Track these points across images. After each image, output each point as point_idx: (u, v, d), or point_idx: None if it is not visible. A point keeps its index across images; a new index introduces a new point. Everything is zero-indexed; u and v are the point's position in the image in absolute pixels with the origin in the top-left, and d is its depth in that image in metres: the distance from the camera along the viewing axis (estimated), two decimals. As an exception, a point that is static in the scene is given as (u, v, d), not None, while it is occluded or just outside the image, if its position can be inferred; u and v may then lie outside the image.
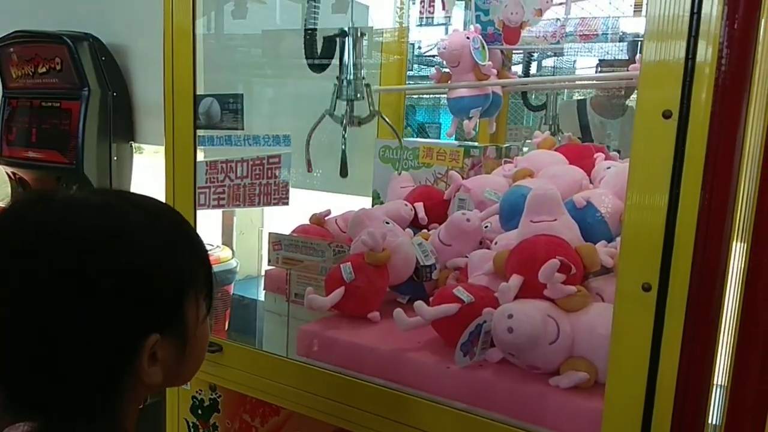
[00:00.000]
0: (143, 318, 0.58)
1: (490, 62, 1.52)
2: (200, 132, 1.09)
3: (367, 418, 0.94)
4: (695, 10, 0.66)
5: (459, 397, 0.90)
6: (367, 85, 1.18)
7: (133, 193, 0.67)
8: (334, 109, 1.18)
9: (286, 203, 1.08)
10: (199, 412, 1.15)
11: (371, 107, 1.20)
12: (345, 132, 1.18)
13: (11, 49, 2.83)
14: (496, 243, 1.14)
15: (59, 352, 0.55)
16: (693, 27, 0.67)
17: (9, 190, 3.00)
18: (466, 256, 1.17)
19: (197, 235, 0.68)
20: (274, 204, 1.09)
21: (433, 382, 0.92)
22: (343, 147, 1.19)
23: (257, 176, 1.08)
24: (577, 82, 2.01)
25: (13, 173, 2.93)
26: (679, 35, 0.67)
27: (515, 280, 0.91)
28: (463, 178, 1.46)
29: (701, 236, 0.68)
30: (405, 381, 0.94)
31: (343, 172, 1.17)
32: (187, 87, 1.06)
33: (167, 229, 0.64)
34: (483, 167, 1.55)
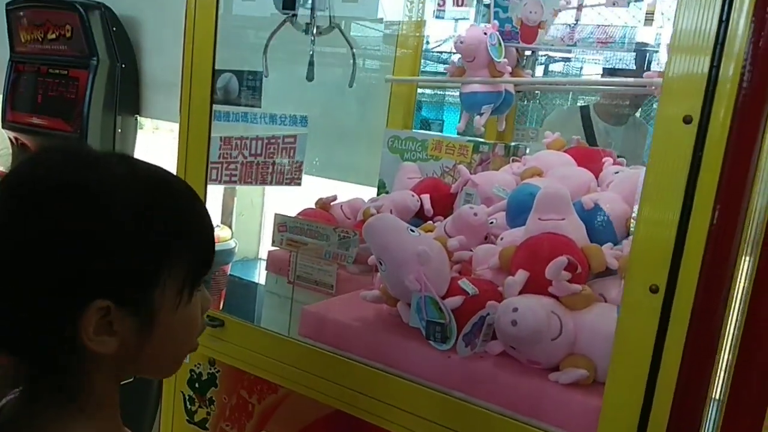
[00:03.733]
0: (86, 280, 0.53)
1: (505, 59, 1.52)
2: (216, 107, 1.09)
3: (364, 401, 0.95)
4: (723, 23, 0.67)
5: (458, 386, 0.91)
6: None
7: (141, 160, 0.61)
8: (296, 18, 1.26)
9: (299, 184, 1.09)
10: (197, 385, 1.16)
11: (332, 20, 1.30)
12: (313, 40, 1.26)
13: (22, 13, 2.81)
14: (501, 239, 1.15)
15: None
16: (718, 41, 0.68)
17: (10, 155, 2.98)
18: (470, 250, 1.18)
19: (200, 212, 0.61)
20: (287, 184, 1.09)
21: (433, 370, 0.93)
22: (311, 53, 1.26)
23: (271, 155, 1.08)
24: (591, 86, 2.01)
25: (16, 138, 2.92)
26: (705, 50, 0.68)
27: (521, 275, 0.93)
28: (470, 173, 1.47)
29: (712, 241, 0.70)
30: (406, 367, 0.95)
31: (310, 76, 1.26)
32: (206, 60, 1.06)
33: (155, 193, 0.57)
34: (491, 164, 1.56)
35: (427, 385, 0.92)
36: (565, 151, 1.47)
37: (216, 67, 1.08)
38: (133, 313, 0.56)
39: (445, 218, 1.33)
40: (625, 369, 0.74)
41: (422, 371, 0.94)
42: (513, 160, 1.59)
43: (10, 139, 2.96)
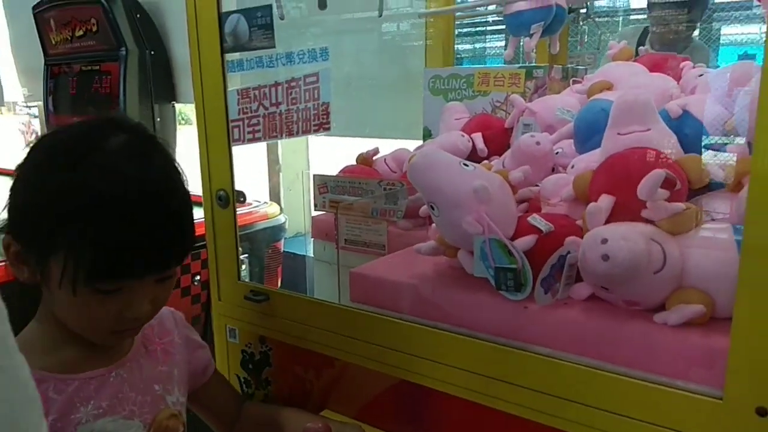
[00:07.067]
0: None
1: (552, -32, 1.32)
2: (228, 57, 0.97)
3: (431, 367, 0.82)
4: None
5: (541, 341, 0.76)
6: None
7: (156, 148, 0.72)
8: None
9: (328, 128, 0.95)
10: (250, 366, 1.06)
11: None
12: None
13: (47, 15, 2.78)
14: (572, 167, 0.98)
15: None
16: None
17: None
18: (536, 185, 1.02)
19: (124, 223, 0.64)
20: (315, 131, 0.96)
21: (508, 325, 0.79)
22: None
23: (294, 101, 0.95)
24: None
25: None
26: None
27: (606, 199, 0.76)
28: (526, 102, 1.29)
29: None
30: (476, 325, 0.81)
31: (322, 4, 1.09)
32: (210, 3, 0.93)
33: (101, 184, 0.64)
34: (548, 90, 1.37)
35: (504, 343, 0.78)
36: (634, 62, 1.26)
37: (222, 10, 0.95)
38: (32, 262, 0.67)
39: (501, 157, 1.16)
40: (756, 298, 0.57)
41: (495, 327, 0.80)
42: (573, 82, 1.39)
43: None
